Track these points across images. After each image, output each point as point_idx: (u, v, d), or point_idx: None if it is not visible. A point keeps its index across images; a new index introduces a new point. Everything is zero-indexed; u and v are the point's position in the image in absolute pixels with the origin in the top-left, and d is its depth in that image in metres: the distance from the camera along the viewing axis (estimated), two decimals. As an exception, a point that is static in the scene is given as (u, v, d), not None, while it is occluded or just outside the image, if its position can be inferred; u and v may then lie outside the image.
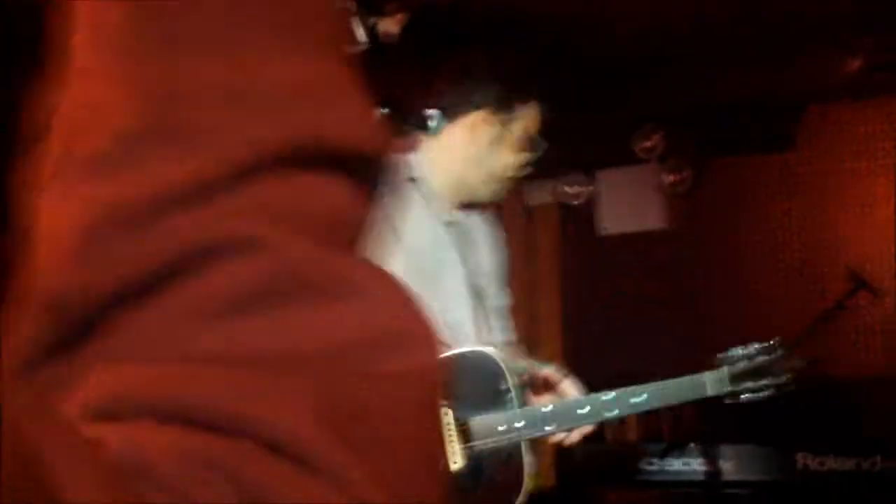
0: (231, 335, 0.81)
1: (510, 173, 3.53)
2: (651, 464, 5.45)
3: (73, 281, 0.83)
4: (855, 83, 6.38)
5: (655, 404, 3.33)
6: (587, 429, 3.27)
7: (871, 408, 6.29)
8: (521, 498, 3.19)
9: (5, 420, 0.70)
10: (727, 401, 3.36)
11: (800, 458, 5.36)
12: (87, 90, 0.87)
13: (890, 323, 6.53)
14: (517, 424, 3.20)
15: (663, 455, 5.37)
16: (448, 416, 3.21)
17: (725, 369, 3.42)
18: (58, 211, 0.84)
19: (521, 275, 7.66)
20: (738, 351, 3.50)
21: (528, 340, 7.25)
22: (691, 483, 5.36)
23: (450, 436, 3.19)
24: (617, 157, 7.27)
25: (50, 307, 0.83)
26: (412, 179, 3.41)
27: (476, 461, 3.21)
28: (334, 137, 0.84)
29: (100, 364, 0.80)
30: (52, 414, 0.75)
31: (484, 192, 3.53)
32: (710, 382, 3.41)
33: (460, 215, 3.52)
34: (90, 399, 0.78)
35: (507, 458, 3.22)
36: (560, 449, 6.50)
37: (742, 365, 3.45)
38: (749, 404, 5.33)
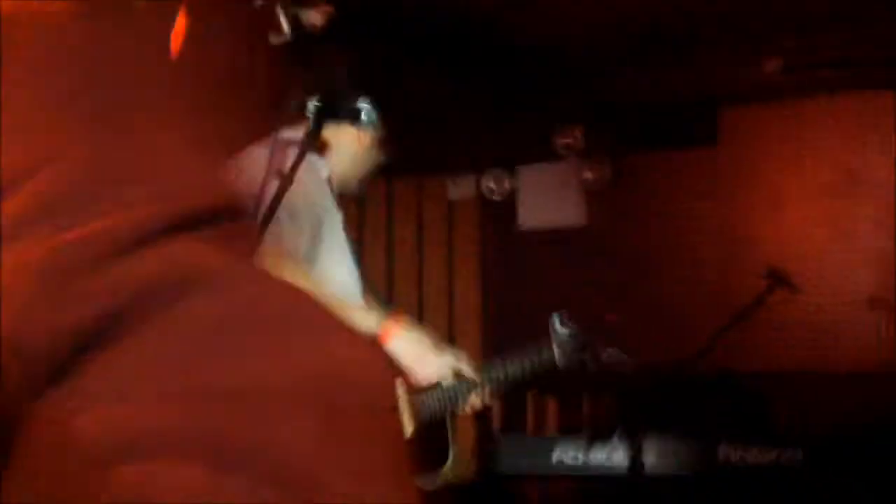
0: (205, 370, 0.83)
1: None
2: (574, 458, 5.46)
3: (36, 324, 0.84)
4: (772, 83, 6.46)
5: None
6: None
7: (791, 401, 6.38)
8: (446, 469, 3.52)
9: (31, 455, 0.72)
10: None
11: (721, 450, 5.40)
12: (38, 150, 0.91)
13: (807, 318, 6.62)
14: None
15: (587, 446, 5.38)
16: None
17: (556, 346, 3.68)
18: (16, 260, 0.86)
19: (441, 268, 7.67)
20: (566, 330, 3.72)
21: (448, 332, 7.28)
22: (614, 476, 5.38)
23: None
24: (537, 153, 7.30)
25: (17, 351, 0.83)
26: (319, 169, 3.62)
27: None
28: (203, 201, 0.91)
29: (84, 407, 0.81)
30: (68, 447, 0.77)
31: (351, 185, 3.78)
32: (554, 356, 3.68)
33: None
34: (90, 441, 0.79)
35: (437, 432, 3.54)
36: (481, 441, 6.53)
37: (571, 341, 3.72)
38: (672, 398, 5.40)
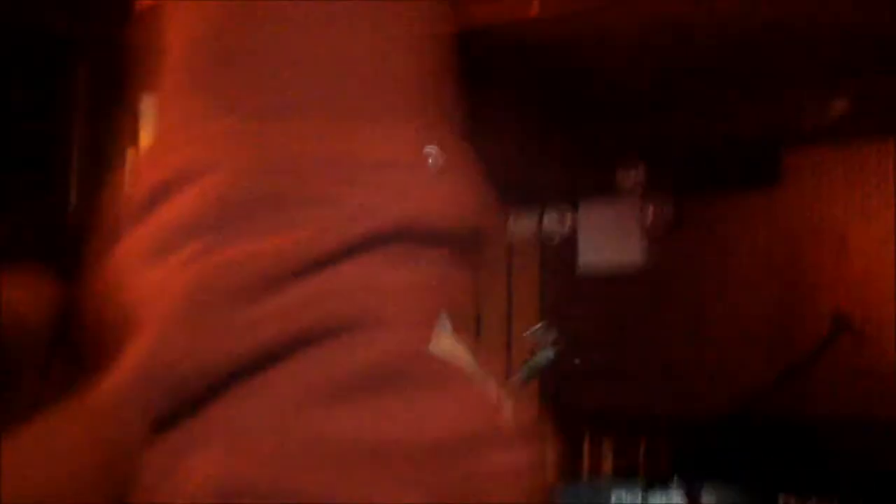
0: (337, 421, 0.75)
1: None
2: (635, 498, 5.39)
3: (185, 353, 0.75)
4: (838, 125, 6.39)
5: None
6: None
7: (853, 450, 6.26)
8: None
9: (142, 488, 0.67)
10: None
11: (782, 499, 5.30)
12: (188, 156, 0.79)
13: (872, 365, 6.49)
14: None
15: (646, 489, 5.30)
16: None
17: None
18: (163, 284, 0.77)
19: (500, 310, 7.61)
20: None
21: (508, 375, 7.21)
22: (674, 520, 5.30)
23: None
24: (599, 190, 7.25)
25: (163, 379, 0.75)
26: None
27: None
28: (435, 217, 0.79)
29: (209, 446, 0.74)
30: (179, 484, 0.71)
31: None
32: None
33: None
34: (204, 484, 0.72)
35: None
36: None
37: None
38: (732, 443, 5.31)
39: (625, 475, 6.30)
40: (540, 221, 7.47)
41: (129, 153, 5.27)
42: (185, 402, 0.76)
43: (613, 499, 5.38)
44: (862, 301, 6.55)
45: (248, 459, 0.74)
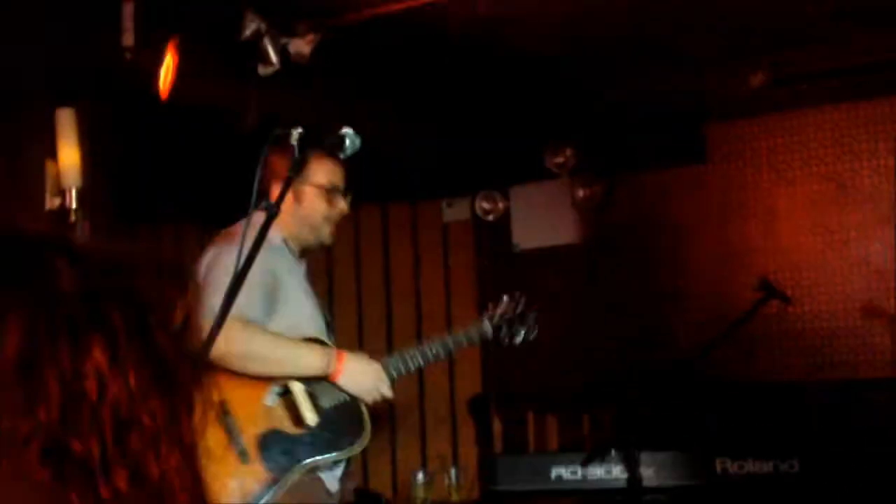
0: None
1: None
2: (573, 473, 5.50)
3: None
4: (759, 97, 6.52)
5: (430, 358, 4.33)
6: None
7: (786, 411, 6.43)
8: (363, 439, 4.24)
9: None
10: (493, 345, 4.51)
11: (718, 462, 5.44)
12: None
13: (802, 328, 6.67)
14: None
15: (585, 463, 5.42)
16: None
17: (485, 320, 4.47)
18: None
19: (438, 291, 7.73)
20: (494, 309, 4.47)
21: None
22: (612, 490, 5.41)
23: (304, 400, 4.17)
24: (529, 173, 7.36)
25: None
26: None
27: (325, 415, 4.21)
28: None
29: None
30: None
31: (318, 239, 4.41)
32: (475, 333, 4.47)
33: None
34: None
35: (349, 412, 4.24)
36: (483, 461, 6.61)
37: (497, 318, 4.45)
38: (668, 411, 5.45)
39: (571, 450, 6.43)
40: (472, 204, 7.57)
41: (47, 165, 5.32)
42: None
43: (553, 473, 5.50)
44: (789, 266, 6.73)
45: None
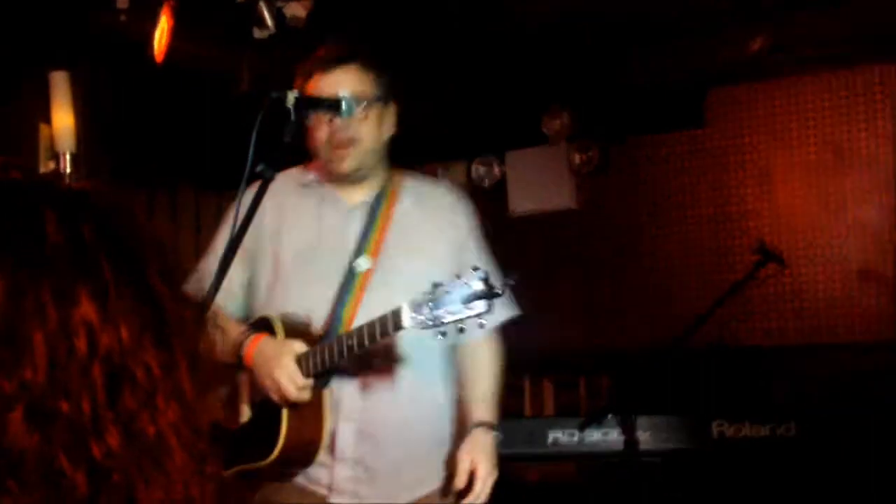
0: None
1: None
2: (570, 438, 5.51)
3: None
4: (757, 63, 6.50)
5: (354, 344, 3.37)
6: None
7: (783, 375, 6.43)
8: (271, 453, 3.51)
9: None
10: (417, 330, 3.20)
11: (715, 426, 5.44)
12: None
13: (799, 291, 6.67)
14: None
15: (582, 427, 5.42)
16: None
17: (405, 304, 3.21)
18: None
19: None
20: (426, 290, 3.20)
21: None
22: (609, 454, 5.42)
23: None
24: (526, 138, 7.33)
25: None
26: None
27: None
28: None
29: None
30: None
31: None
32: (389, 321, 3.27)
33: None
34: None
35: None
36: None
37: (421, 298, 3.18)
38: (666, 375, 5.44)
39: (567, 414, 6.43)
40: (469, 169, 7.54)
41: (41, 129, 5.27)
42: None
43: (550, 437, 5.51)
44: (787, 231, 6.72)
45: None
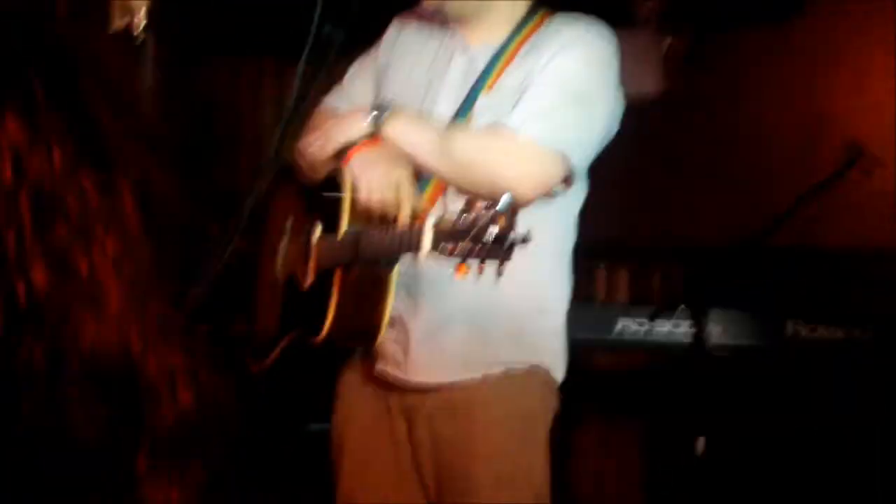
0: None
1: None
2: (641, 324, 5.44)
3: None
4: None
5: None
6: None
7: (865, 279, 6.28)
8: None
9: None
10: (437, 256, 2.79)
11: (790, 325, 5.35)
12: None
13: (885, 194, 6.49)
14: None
15: (652, 317, 5.35)
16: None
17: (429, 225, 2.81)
18: None
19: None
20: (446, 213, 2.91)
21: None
22: (678, 346, 5.35)
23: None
24: (614, 19, 7.16)
25: None
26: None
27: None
28: None
29: None
30: None
31: None
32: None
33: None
34: None
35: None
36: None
37: (444, 224, 2.80)
38: (743, 272, 5.33)
39: (639, 304, 6.36)
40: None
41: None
42: None
43: (619, 325, 5.44)
44: (877, 130, 6.51)
45: None
